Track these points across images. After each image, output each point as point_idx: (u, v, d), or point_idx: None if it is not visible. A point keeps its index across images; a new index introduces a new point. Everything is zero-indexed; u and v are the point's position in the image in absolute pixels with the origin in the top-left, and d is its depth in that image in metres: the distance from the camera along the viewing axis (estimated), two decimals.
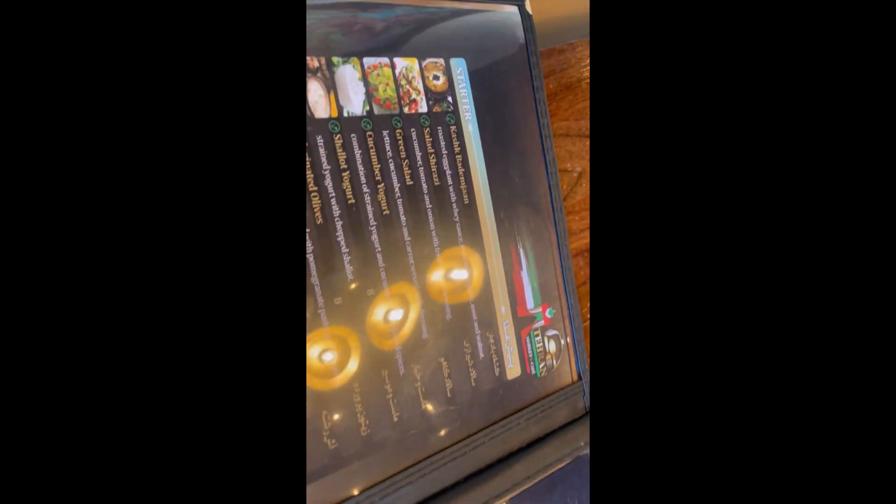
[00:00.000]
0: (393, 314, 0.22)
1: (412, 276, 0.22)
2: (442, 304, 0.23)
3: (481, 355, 0.24)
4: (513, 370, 0.25)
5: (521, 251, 0.26)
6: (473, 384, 0.24)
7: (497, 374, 0.25)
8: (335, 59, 0.20)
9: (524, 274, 0.26)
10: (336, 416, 0.20)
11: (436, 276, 0.23)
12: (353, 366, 0.21)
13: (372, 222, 0.21)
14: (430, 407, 0.23)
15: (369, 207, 0.21)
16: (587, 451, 0.27)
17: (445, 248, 0.23)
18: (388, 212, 0.22)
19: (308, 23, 0.20)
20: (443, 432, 0.23)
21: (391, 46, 0.22)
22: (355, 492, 0.20)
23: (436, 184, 0.23)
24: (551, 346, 0.27)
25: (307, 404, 0.19)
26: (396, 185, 0.22)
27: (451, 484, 0.23)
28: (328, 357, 0.20)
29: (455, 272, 0.24)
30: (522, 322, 0.26)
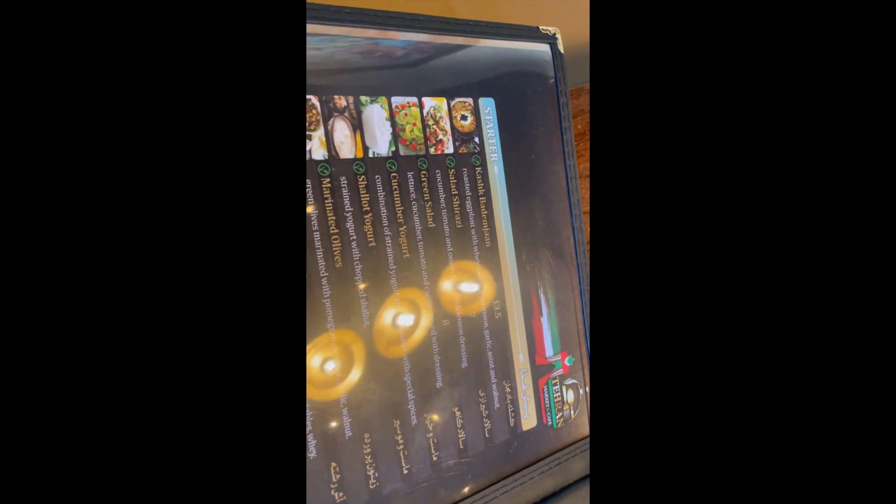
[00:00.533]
0: (405, 365, 0.21)
1: (429, 321, 0.21)
2: (458, 351, 0.22)
3: (496, 405, 0.23)
4: (528, 421, 0.24)
5: (542, 296, 0.25)
6: (487, 435, 0.23)
7: (512, 424, 0.24)
8: (363, 99, 0.20)
9: (544, 320, 0.25)
10: (345, 468, 0.19)
11: (452, 321, 0.22)
12: (366, 409, 0.20)
13: (391, 266, 0.21)
14: (441, 459, 0.22)
15: (388, 250, 0.21)
16: None
17: (464, 292, 0.22)
18: (407, 255, 0.21)
19: (336, 60, 0.20)
20: (454, 486, 0.22)
21: (420, 85, 0.22)
22: None
23: (458, 226, 0.22)
24: (569, 396, 0.26)
25: (318, 454, 0.19)
26: (418, 228, 0.21)
27: None
28: (345, 391, 0.19)
29: (472, 317, 0.23)
30: (540, 370, 0.25)
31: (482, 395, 0.23)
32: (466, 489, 0.22)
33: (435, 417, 0.21)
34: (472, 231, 0.23)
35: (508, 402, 0.24)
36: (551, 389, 0.25)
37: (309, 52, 0.19)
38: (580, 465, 0.26)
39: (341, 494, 0.19)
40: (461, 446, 0.22)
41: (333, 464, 0.19)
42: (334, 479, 0.19)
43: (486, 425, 0.23)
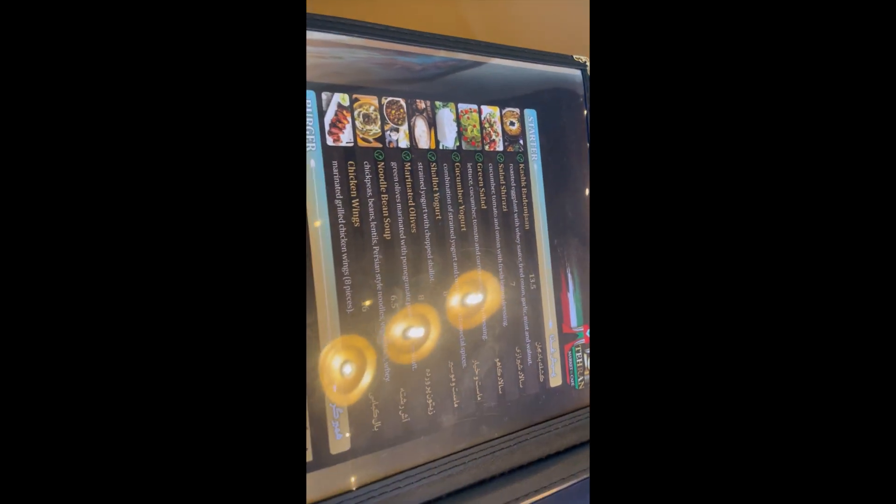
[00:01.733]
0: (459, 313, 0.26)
1: (479, 285, 0.26)
2: (500, 312, 0.27)
3: (529, 362, 0.28)
4: (555, 379, 0.29)
5: (569, 275, 0.30)
6: (521, 386, 0.27)
7: (541, 380, 0.28)
8: (437, 103, 0.25)
9: (570, 295, 0.30)
10: (410, 394, 0.23)
11: (497, 287, 0.27)
12: (429, 349, 0.24)
13: (452, 236, 0.25)
14: (484, 400, 0.26)
15: (451, 224, 0.25)
16: None
17: (508, 264, 0.27)
18: (465, 228, 0.26)
19: (418, 73, 0.25)
20: (493, 425, 0.26)
21: (480, 95, 0.27)
22: (421, 461, 0.23)
23: (504, 210, 0.27)
24: (589, 363, 0.30)
25: (391, 379, 0.23)
26: (473, 208, 0.26)
27: (497, 473, 0.26)
28: (412, 359, 0.24)
29: (513, 285, 0.27)
30: (566, 337, 0.29)
31: (518, 351, 0.27)
32: (503, 429, 0.26)
33: (480, 365, 0.26)
34: (515, 215, 0.28)
35: (539, 360, 0.28)
36: (574, 355, 0.29)
37: (403, 66, 0.24)
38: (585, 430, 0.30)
39: (406, 416, 0.23)
40: (500, 392, 0.26)
41: (402, 389, 0.23)
42: (402, 402, 0.23)
43: (520, 377, 0.27)
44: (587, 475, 0.28)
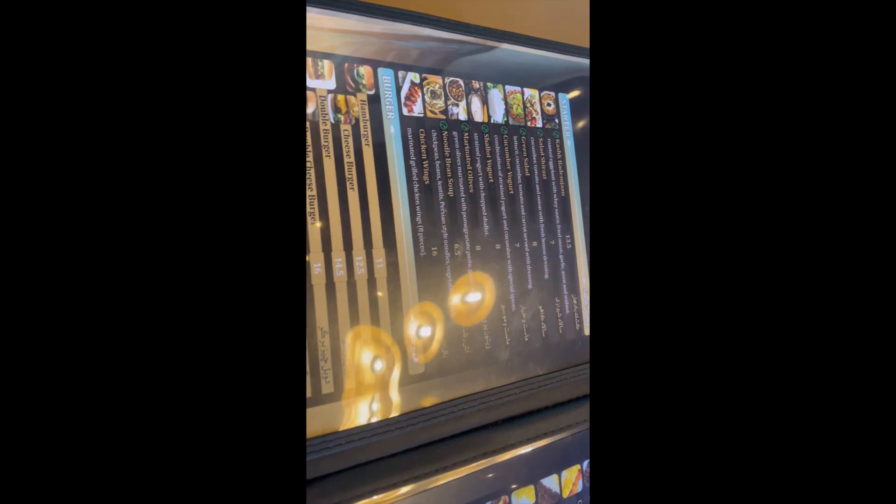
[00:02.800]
0: (510, 267, 0.29)
1: (524, 241, 0.30)
2: (542, 266, 0.30)
3: (567, 311, 0.31)
4: (588, 328, 0.32)
5: None
6: (560, 332, 0.31)
7: (577, 328, 0.32)
8: (489, 84, 0.29)
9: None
10: (470, 331, 0.27)
11: (539, 244, 0.30)
12: (484, 304, 0.28)
13: (502, 198, 0.29)
14: (530, 341, 0.29)
15: (501, 187, 0.29)
16: None
17: (548, 225, 0.31)
18: (512, 192, 0.30)
19: (474, 59, 0.29)
20: (537, 362, 0.29)
21: (523, 79, 0.31)
22: (479, 389, 0.27)
23: (543, 178, 0.31)
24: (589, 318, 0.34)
25: (458, 315, 0.26)
26: (519, 175, 0.30)
27: (542, 407, 0.29)
28: (472, 299, 0.27)
29: (553, 244, 0.31)
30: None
31: (557, 301, 0.31)
32: (546, 367, 0.30)
33: (526, 310, 0.29)
34: (553, 183, 0.31)
35: (575, 310, 0.32)
36: None
37: (462, 52, 0.28)
38: None
39: (467, 348, 0.27)
40: (543, 335, 0.30)
41: (463, 325, 0.27)
42: (464, 336, 0.27)
43: (559, 324, 0.31)
44: None
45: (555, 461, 0.29)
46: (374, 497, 0.23)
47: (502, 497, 0.27)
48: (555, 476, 0.29)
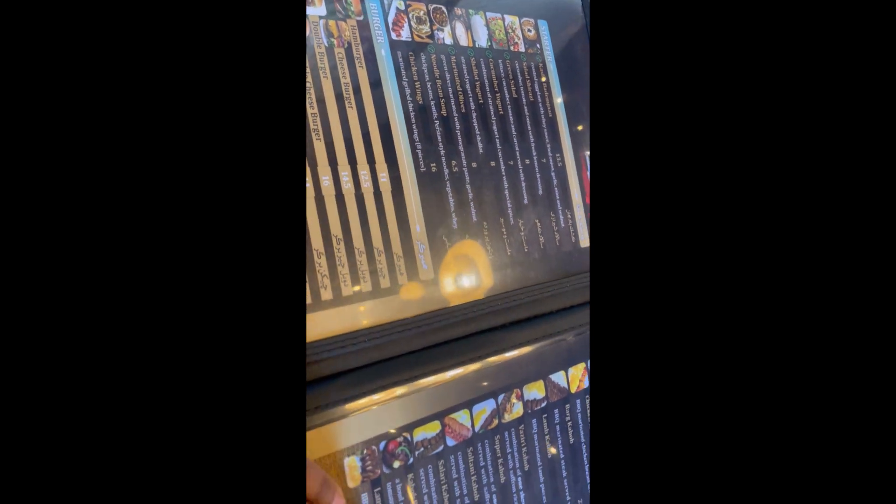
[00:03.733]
0: (505, 183, 0.31)
1: (517, 159, 0.31)
2: (536, 182, 0.32)
3: (562, 225, 0.33)
4: (584, 241, 0.34)
5: (588, 157, 0.35)
6: (557, 244, 0.33)
7: (573, 241, 0.33)
8: (470, 11, 0.30)
9: (590, 174, 0.35)
10: (471, 245, 0.29)
11: (531, 162, 0.32)
12: (483, 205, 0.29)
13: (493, 117, 0.31)
14: (529, 252, 0.31)
15: (490, 108, 0.31)
16: None
17: (538, 144, 0.32)
18: (502, 112, 0.31)
19: None
20: (538, 271, 0.31)
21: (503, 6, 0.32)
22: (485, 295, 0.29)
23: (531, 100, 0.33)
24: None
25: (460, 227, 0.28)
26: (507, 96, 0.31)
27: (544, 312, 0.31)
28: (472, 212, 0.29)
29: (544, 161, 0.33)
30: (588, 207, 0.35)
31: (553, 216, 0.33)
32: (546, 276, 0.31)
33: (525, 223, 0.31)
34: (540, 105, 0.33)
35: (570, 224, 0.33)
36: None
37: None
38: None
39: (472, 257, 0.29)
40: (541, 246, 0.32)
41: (466, 235, 0.28)
42: (467, 247, 0.28)
43: (556, 237, 0.33)
44: None
45: (561, 359, 0.31)
46: (397, 389, 0.25)
47: (515, 390, 0.29)
48: (562, 372, 0.31)
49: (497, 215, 0.30)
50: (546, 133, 0.33)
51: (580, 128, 0.35)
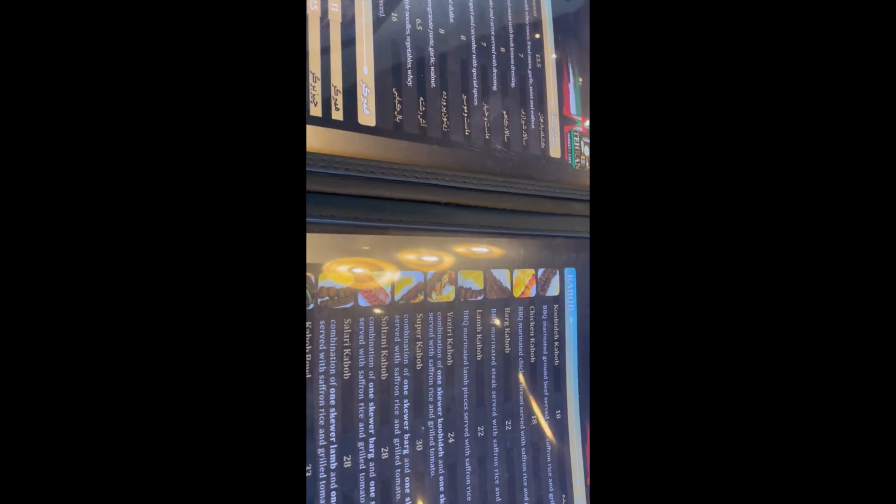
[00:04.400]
0: (472, 63, 0.29)
1: (491, 43, 0.29)
2: (509, 73, 0.30)
3: (533, 126, 0.31)
4: (554, 151, 0.32)
5: (570, 68, 0.33)
6: (524, 144, 0.30)
7: (542, 146, 0.31)
8: None
9: (571, 86, 0.33)
10: (428, 105, 0.27)
11: (506, 51, 0.30)
12: (448, 74, 0.27)
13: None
14: (490, 141, 0.29)
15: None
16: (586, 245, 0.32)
17: (518, 37, 0.31)
18: None
19: None
20: (497, 163, 0.29)
21: None
22: (433, 164, 0.26)
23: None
24: (585, 150, 0.33)
25: (416, 84, 0.26)
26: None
27: (494, 206, 0.28)
28: (433, 79, 0.27)
29: (521, 57, 0.31)
30: (566, 120, 0.32)
31: (523, 114, 0.30)
32: (506, 172, 0.29)
33: (490, 109, 0.29)
34: (526, 13, 0.31)
35: (541, 129, 0.31)
36: (572, 139, 0.33)
37: None
38: (579, 206, 0.33)
39: (423, 122, 0.26)
40: (505, 140, 0.29)
41: (422, 98, 0.26)
42: (420, 109, 0.26)
43: (524, 136, 0.30)
44: (559, 235, 0.31)
45: (506, 258, 0.28)
46: (315, 227, 0.22)
47: (448, 272, 0.26)
48: (506, 271, 0.28)
49: (459, 89, 0.28)
50: (528, 30, 0.32)
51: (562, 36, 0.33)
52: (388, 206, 0.25)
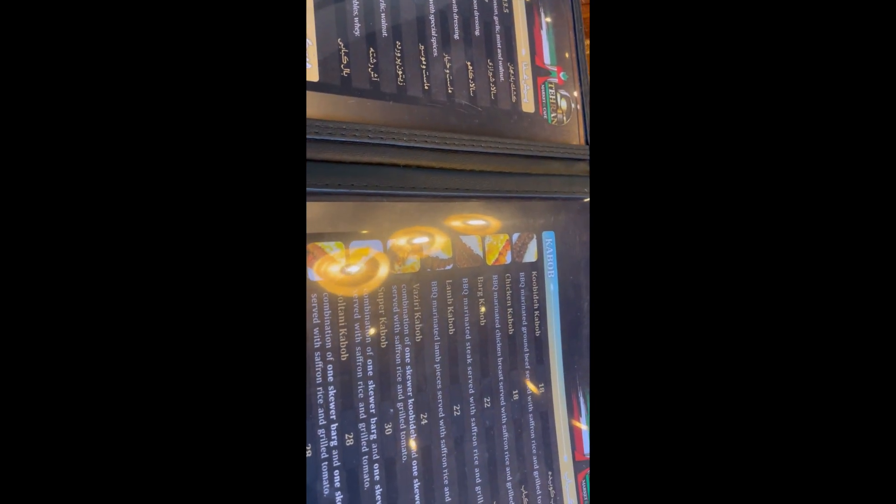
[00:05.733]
0: (429, 10, 0.26)
1: None
2: (471, 18, 0.27)
3: (501, 78, 0.28)
4: (527, 105, 0.29)
5: (542, 10, 0.30)
6: (493, 98, 0.28)
7: (514, 100, 0.28)
8: None
9: (543, 33, 0.30)
10: (379, 57, 0.24)
11: None
12: (403, 20, 0.25)
13: None
14: (454, 94, 0.26)
15: None
16: (587, 199, 0.30)
17: None
18: None
19: None
20: (463, 120, 0.26)
21: None
22: (388, 122, 0.24)
23: None
24: (562, 104, 0.31)
25: (366, 37, 0.23)
26: None
27: (459, 167, 0.26)
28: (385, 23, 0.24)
29: (487, 2, 0.28)
30: (539, 71, 0.30)
31: (490, 64, 0.28)
32: (473, 130, 0.27)
33: (452, 61, 0.26)
34: None
35: (512, 80, 0.28)
36: (547, 91, 0.30)
37: None
38: (557, 165, 0.30)
39: (375, 75, 0.24)
40: (471, 94, 0.27)
41: (371, 49, 0.24)
42: (371, 62, 0.24)
43: (492, 90, 0.28)
44: (540, 195, 0.29)
45: (479, 224, 0.26)
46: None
47: (411, 243, 0.24)
48: (477, 238, 0.26)
49: (415, 38, 0.26)
50: None
51: None
52: (338, 170, 0.22)
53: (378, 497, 0.22)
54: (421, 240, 0.24)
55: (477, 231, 0.26)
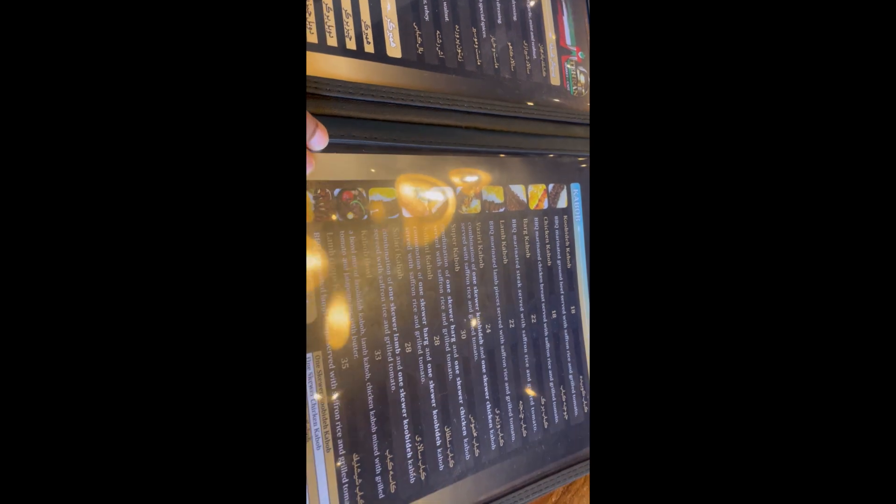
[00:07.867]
0: None
1: None
2: (511, 8, 0.33)
3: (534, 56, 0.34)
4: (555, 80, 0.35)
5: (564, 3, 0.36)
6: (528, 72, 0.33)
7: (544, 75, 0.34)
8: None
9: (565, 19, 0.36)
10: (423, 28, 0.29)
11: None
12: (456, 18, 0.30)
13: None
14: (499, 68, 0.32)
15: None
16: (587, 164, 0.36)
17: None
18: None
19: None
20: (505, 90, 0.32)
21: None
22: (421, 88, 0.29)
23: None
24: (581, 78, 0.36)
25: None
26: None
27: (507, 130, 0.31)
28: None
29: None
30: (562, 51, 0.35)
31: (525, 45, 0.33)
32: (514, 99, 0.32)
33: (496, 40, 0.32)
34: None
35: (542, 58, 0.34)
36: (569, 68, 0.36)
37: None
38: (579, 129, 0.36)
39: (441, 52, 0.29)
40: (512, 69, 0.32)
41: (437, 31, 0.29)
42: (438, 41, 0.29)
43: (528, 66, 0.33)
44: (552, 154, 0.35)
45: (521, 174, 0.32)
46: (362, 148, 0.25)
47: (475, 189, 0.30)
48: (522, 186, 0.32)
49: (469, 22, 0.31)
50: None
51: None
52: (419, 130, 0.28)
53: (458, 387, 0.28)
54: (480, 188, 0.30)
55: (521, 181, 0.32)
